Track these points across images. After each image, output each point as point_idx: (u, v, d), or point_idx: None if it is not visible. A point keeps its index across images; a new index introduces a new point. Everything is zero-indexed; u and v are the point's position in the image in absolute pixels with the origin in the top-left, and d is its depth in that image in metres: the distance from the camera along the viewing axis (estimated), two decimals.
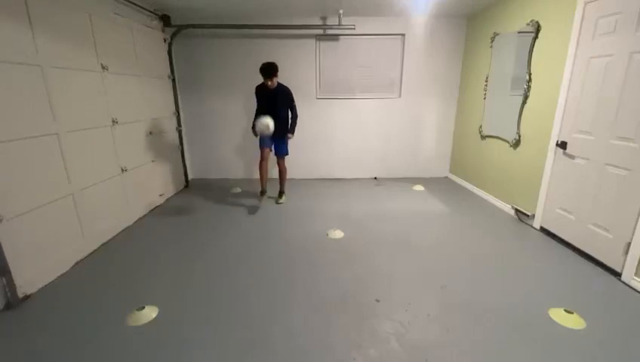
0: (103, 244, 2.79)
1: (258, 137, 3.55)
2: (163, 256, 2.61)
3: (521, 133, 3.23)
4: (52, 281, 2.25)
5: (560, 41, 2.69)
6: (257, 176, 4.86)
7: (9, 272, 1.94)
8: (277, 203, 3.82)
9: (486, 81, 3.83)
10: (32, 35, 2.15)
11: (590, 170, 2.44)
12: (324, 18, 4.26)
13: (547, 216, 2.90)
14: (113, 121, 2.96)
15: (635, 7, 2.08)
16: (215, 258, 2.57)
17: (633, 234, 2.11)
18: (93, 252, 2.67)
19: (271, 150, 3.65)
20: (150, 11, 3.67)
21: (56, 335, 1.75)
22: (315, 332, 1.76)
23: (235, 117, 4.68)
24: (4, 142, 1.95)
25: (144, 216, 3.45)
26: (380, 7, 3.86)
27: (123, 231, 3.07)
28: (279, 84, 3.51)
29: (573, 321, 1.80)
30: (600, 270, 2.34)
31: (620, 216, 2.20)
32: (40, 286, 2.17)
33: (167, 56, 4.13)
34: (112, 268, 2.45)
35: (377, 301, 2.01)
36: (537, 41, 2.97)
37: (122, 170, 3.08)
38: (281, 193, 3.94)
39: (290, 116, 3.63)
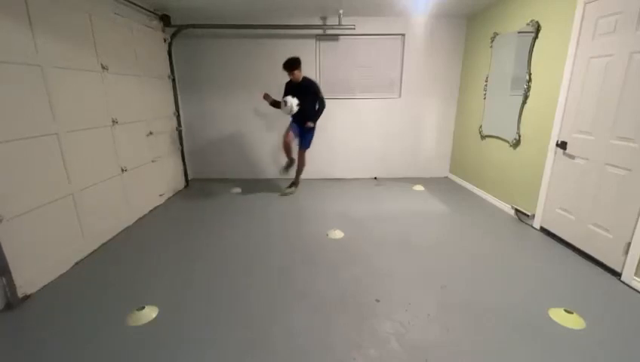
0: (102, 244, 2.79)
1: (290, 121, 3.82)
2: (163, 256, 2.61)
3: (521, 133, 3.23)
4: (52, 281, 2.25)
5: (560, 41, 2.69)
6: (258, 176, 4.93)
7: (9, 272, 1.94)
8: (283, 193, 3.92)
9: (486, 81, 3.83)
10: (32, 35, 2.15)
11: (590, 170, 2.44)
12: (324, 18, 4.26)
13: (547, 216, 2.90)
14: (113, 121, 2.96)
15: (635, 7, 2.08)
16: (215, 258, 2.57)
17: (633, 234, 2.11)
18: (93, 252, 2.67)
19: (296, 137, 3.84)
20: (150, 11, 3.67)
21: (57, 335, 1.75)
22: (315, 332, 1.76)
23: (235, 117, 4.68)
24: (4, 142, 1.95)
25: (144, 216, 3.45)
26: (380, 7, 3.86)
27: (123, 231, 3.07)
28: (304, 78, 3.68)
29: (573, 321, 1.80)
30: (600, 270, 2.34)
31: (620, 216, 2.20)
32: (40, 286, 2.17)
33: (167, 56, 4.13)
34: (112, 268, 2.45)
35: (377, 301, 2.01)
36: (537, 41, 2.97)
37: (122, 170, 3.08)
38: (292, 183, 4.06)
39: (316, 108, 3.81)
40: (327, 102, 4.60)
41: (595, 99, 2.39)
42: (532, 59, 3.04)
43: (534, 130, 3.05)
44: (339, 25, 4.12)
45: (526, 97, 3.12)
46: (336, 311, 1.92)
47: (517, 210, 3.26)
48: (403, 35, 4.39)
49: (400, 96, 4.61)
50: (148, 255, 2.64)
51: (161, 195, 3.85)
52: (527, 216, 3.09)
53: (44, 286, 2.20)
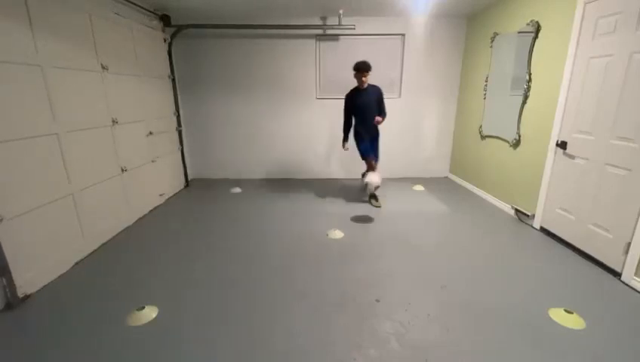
0: (102, 244, 2.79)
1: (356, 145, 3.66)
2: (163, 256, 2.61)
3: (521, 133, 3.23)
4: (52, 281, 2.25)
5: (560, 41, 2.69)
6: (258, 176, 4.93)
7: (9, 272, 1.94)
8: (376, 206, 3.68)
9: (486, 81, 3.83)
10: (32, 35, 2.15)
11: (590, 170, 2.44)
12: (324, 18, 4.26)
13: (547, 216, 2.90)
14: (113, 121, 2.96)
15: (635, 7, 2.08)
16: (215, 258, 2.57)
17: (633, 234, 2.11)
18: (93, 252, 2.67)
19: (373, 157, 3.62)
20: (150, 11, 3.67)
21: (57, 335, 1.75)
22: (315, 332, 1.76)
23: (235, 116, 4.68)
24: (4, 142, 1.95)
25: (144, 216, 3.45)
26: (380, 7, 3.86)
27: (123, 231, 3.07)
28: (369, 84, 3.48)
29: (573, 321, 1.80)
30: (600, 270, 2.34)
31: (620, 216, 2.20)
32: (40, 286, 2.17)
33: (167, 56, 4.13)
34: (112, 268, 2.45)
35: (377, 301, 2.01)
36: (537, 41, 2.97)
37: (122, 170, 3.08)
38: (375, 196, 3.81)
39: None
40: (327, 102, 4.64)
41: (595, 99, 2.39)
42: (532, 59, 3.04)
43: (534, 130, 3.05)
44: (339, 25, 4.12)
45: (526, 97, 3.12)
46: (336, 311, 1.92)
47: (517, 210, 3.26)
48: (403, 35, 4.39)
49: (400, 96, 4.61)
50: (148, 255, 2.64)
51: (161, 195, 3.85)
52: (527, 216, 3.09)
53: (44, 286, 2.20)
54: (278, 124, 4.73)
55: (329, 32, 4.33)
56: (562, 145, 2.67)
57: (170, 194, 4.12)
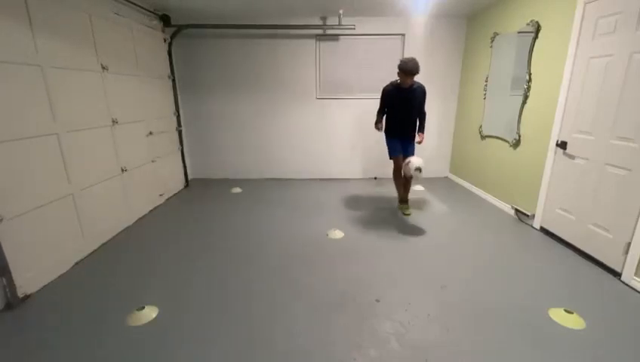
0: (102, 244, 2.79)
1: (385, 141, 3.39)
2: (163, 256, 2.61)
3: (521, 133, 3.23)
4: (52, 281, 2.25)
5: (560, 41, 2.69)
6: (259, 176, 4.93)
7: (9, 272, 1.94)
8: (405, 214, 3.40)
9: (486, 81, 3.84)
10: (32, 35, 2.15)
11: (590, 170, 2.44)
12: (324, 18, 4.26)
13: (547, 216, 2.90)
14: (113, 121, 2.96)
15: (635, 7, 2.08)
16: (215, 258, 2.57)
17: (633, 234, 2.11)
18: (93, 252, 2.67)
19: (402, 154, 3.30)
20: (150, 11, 3.67)
21: (57, 335, 1.75)
22: (315, 332, 1.76)
23: (235, 116, 4.68)
24: (4, 142, 1.95)
25: (144, 216, 3.45)
26: (380, 7, 3.86)
27: (123, 231, 3.07)
28: (416, 82, 3.16)
29: (573, 321, 1.80)
30: (600, 270, 2.34)
31: (620, 216, 2.20)
32: (40, 286, 2.17)
33: (167, 56, 4.13)
34: (112, 268, 2.45)
35: (377, 301, 2.01)
36: (537, 41, 2.97)
37: (122, 170, 3.08)
38: (406, 201, 3.49)
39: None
40: (327, 102, 4.65)
41: (595, 99, 2.39)
42: (532, 59, 3.04)
43: (534, 130, 3.05)
44: (339, 25, 4.12)
45: (526, 97, 3.12)
46: (336, 311, 1.92)
47: (517, 210, 3.26)
48: (403, 35, 4.39)
49: None
50: (148, 255, 2.64)
51: (161, 195, 3.85)
52: (527, 216, 3.09)
53: (44, 286, 2.20)
54: (279, 124, 4.73)
55: (329, 32, 4.33)
56: (562, 145, 2.67)
57: (170, 194, 4.12)
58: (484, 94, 3.88)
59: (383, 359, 1.58)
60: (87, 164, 2.63)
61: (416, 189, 4.31)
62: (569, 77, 2.61)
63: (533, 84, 3.04)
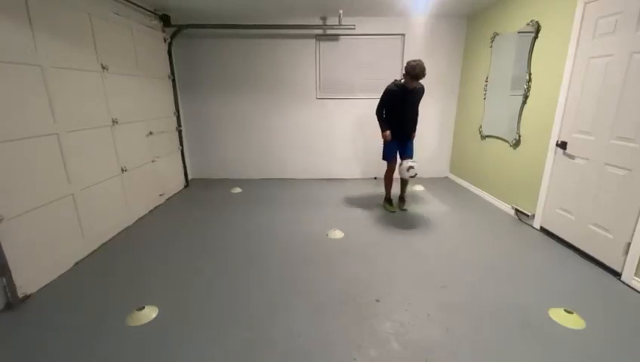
0: (102, 244, 2.79)
1: (384, 147, 3.50)
2: (163, 256, 2.61)
3: (521, 133, 3.23)
4: (52, 281, 2.25)
5: (560, 41, 2.69)
6: (259, 176, 4.93)
7: (9, 272, 1.94)
8: (402, 209, 3.57)
9: (486, 81, 3.84)
10: (32, 35, 2.15)
11: (590, 170, 2.44)
12: (324, 18, 4.26)
13: (547, 216, 2.90)
14: (113, 121, 2.96)
15: (635, 7, 2.08)
16: (215, 258, 2.57)
17: (633, 234, 2.11)
18: (93, 252, 2.67)
19: (396, 157, 3.48)
20: (150, 11, 3.67)
21: (57, 335, 1.75)
22: (315, 332, 1.76)
23: (235, 116, 4.68)
24: (4, 142, 1.95)
25: (144, 216, 3.45)
26: (380, 7, 3.86)
27: (123, 231, 3.07)
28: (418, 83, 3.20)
29: (573, 321, 1.80)
30: (600, 270, 2.34)
31: (620, 216, 2.20)
32: (40, 286, 2.17)
33: (167, 56, 4.13)
34: (112, 268, 2.45)
35: (377, 301, 2.01)
36: (537, 41, 2.97)
37: (122, 170, 3.08)
38: (404, 199, 3.66)
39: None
40: (327, 102, 4.65)
41: (595, 99, 2.39)
42: (532, 59, 3.04)
43: (534, 130, 3.05)
44: (339, 25, 4.12)
45: (526, 97, 3.12)
46: (337, 311, 1.92)
47: (517, 210, 3.26)
48: (403, 35, 4.39)
49: None
50: (148, 255, 2.64)
51: (161, 195, 3.85)
52: (527, 216, 3.09)
53: (44, 286, 2.20)
54: (279, 124, 4.73)
55: (329, 32, 4.33)
56: (562, 145, 2.67)
57: (170, 194, 4.12)
58: (484, 94, 3.88)
59: (383, 359, 1.58)
60: (87, 164, 2.63)
61: (417, 189, 4.31)
62: (569, 77, 2.61)
63: (533, 84, 3.04)
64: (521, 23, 3.17)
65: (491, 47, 3.71)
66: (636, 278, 2.10)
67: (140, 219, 3.37)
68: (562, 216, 2.72)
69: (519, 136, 3.25)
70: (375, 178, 4.91)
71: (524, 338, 1.70)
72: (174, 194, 4.20)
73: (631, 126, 2.12)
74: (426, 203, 3.81)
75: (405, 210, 3.57)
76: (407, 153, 3.45)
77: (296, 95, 4.61)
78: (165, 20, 3.98)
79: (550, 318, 1.84)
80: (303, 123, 4.72)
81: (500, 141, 3.59)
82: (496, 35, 3.61)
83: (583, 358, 1.57)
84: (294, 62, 4.47)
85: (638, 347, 1.64)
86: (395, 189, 3.70)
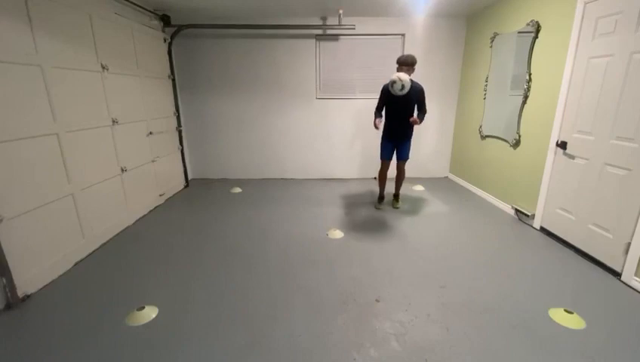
0: (102, 244, 2.79)
1: (380, 143, 3.47)
2: (163, 256, 2.61)
3: (521, 133, 3.23)
4: (52, 281, 2.25)
5: (560, 41, 2.69)
6: (259, 176, 4.93)
7: (9, 272, 1.94)
8: (395, 207, 3.61)
9: (486, 81, 3.83)
10: (32, 35, 2.15)
11: (590, 170, 2.44)
12: (324, 18, 4.26)
13: (547, 216, 2.90)
14: (113, 121, 2.96)
15: (635, 7, 2.08)
16: (215, 258, 2.57)
17: (633, 234, 2.11)
18: (93, 252, 2.67)
19: (390, 159, 3.48)
20: (150, 11, 3.67)
21: (57, 335, 1.75)
22: (315, 332, 1.76)
23: (235, 116, 4.68)
24: (4, 142, 1.95)
25: (144, 216, 3.45)
26: (380, 8, 3.86)
27: (123, 231, 3.07)
28: (412, 81, 3.11)
29: (573, 321, 1.80)
30: (600, 270, 2.34)
31: (620, 216, 2.20)
32: (40, 286, 2.17)
33: (167, 56, 4.13)
34: (112, 268, 2.45)
35: (377, 301, 2.01)
36: (537, 41, 2.97)
37: (122, 170, 3.08)
38: (397, 197, 3.69)
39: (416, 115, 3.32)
40: (327, 102, 4.64)
41: (595, 99, 2.39)
42: (532, 59, 3.04)
43: (534, 130, 3.05)
44: (339, 25, 4.12)
45: (526, 97, 3.12)
46: (337, 311, 1.92)
47: (517, 210, 3.26)
48: (403, 35, 4.39)
49: None
50: (148, 255, 2.64)
51: (161, 195, 3.85)
52: (527, 216, 3.09)
53: (44, 286, 2.20)
54: (279, 124, 4.73)
55: (329, 32, 4.33)
56: (562, 145, 2.67)
57: (170, 194, 4.12)
58: (484, 94, 3.88)
59: (382, 359, 1.58)
60: (87, 163, 2.63)
61: (417, 189, 4.31)
62: (569, 77, 2.61)
63: (533, 84, 3.04)
64: (521, 23, 3.17)
65: (491, 47, 3.71)
66: (636, 278, 2.10)
67: (140, 219, 3.36)
68: (562, 216, 2.72)
69: (519, 136, 3.25)
70: (375, 178, 4.90)
71: (524, 339, 1.70)
72: (174, 194, 4.20)
73: (631, 126, 2.12)
74: (425, 203, 3.81)
75: (397, 208, 3.61)
76: (402, 154, 3.44)
77: (296, 95, 4.61)
78: (165, 20, 3.98)
79: (550, 318, 1.84)
80: (303, 123, 4.72)
81: (500, 141, 3.59)
82: (496, 35, 3.61)
83: (583, 358, 1.57)
84: (294, 63, 4.47)
85: (638, 347, 1.64)
86: (390, 188, 3.72)
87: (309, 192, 4.26)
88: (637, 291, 2.08)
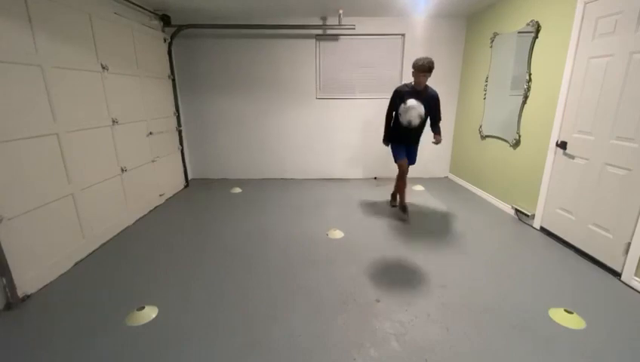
0: (102, 244, 2.79)
1: (390, 147, 3.31)
2: (163, 256, 2.61)
3: (521, 133, 3.23)
4: (52, 281, 2.25)
5: (560, 41, 2.69)
6: (259, 176, 4.93)
7: (9, 272, 1.94)
8: (402, 219, 3.28)
9: (486, 81, 3.83)
10: (32, 35, 2.15)
11: (590, 170, 2.44)
12: (324, 18, 4.26)
13: (547, 216, 2.90)
14: (113, 121, 2.96)
15: (635, 7, 2.08)
16: (215, 258, 2.57)
17: (633, 234, 2.11)
18: (93, 252, 2.67)
19: (406, 159, 3.27)
20: (150, 11, 3.67)
21: (57, 336, 1.75)
22: (315, 332, 1.76)
23: (235, 116, 4.68)
24: (4, 142, 1.95)
25: (144, 216, 3.45)
26: (380, 7, 3.86)
27: (123, 231, 3.07)
28: (427, 87, 3.07)
29: (573, 321, 1.80)
30: (600, 270, 2.34)
31: (620, 216, 2.20)
32: (40, 286, 2.17)
33: (167, 56, 4.13)
34: (112, 268, 2.45)
35: (377, 301, 2.01)
36: (537, 41, 2.97)
37: (122, 170, 3.08)
38: (403, 207, 3.36)
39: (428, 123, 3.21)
40: (327, 102, 4.64)
41: (595, 99, 2.39)
42: (532, 59, 3.04)
43: (534, 130, 3.05)
44: (339, 25, 4.12)
45: (526, 97, 3.12)
46: (337, 311, 1.92)
47: (517, 210, 3.26)
48: (403, 35, 4.39)
49: None
50: (148, 255, 2.64)
51: (161, 195, 3.85)
52: (527, 216, 3.09)
53: (44, 286, 2.20)
54: (278, 124, 4.73)
55: (329, 32, 4.33)
56: (562, 145, 2.67)
57: (170, 194, 4.12)
58: (484, 94, 3.88)
59: (382, 359, 1.58)
60: (87, 164, 2.63)
61: (417, 189, 4.31)
62: (569, 77, 2.61)
63: (533, 84, 3.04)
64: (521, 23, 3.17)
65: (491, 47, 3.71)
66: (636, 278, 2.10)
67: (140, 219, 3.36)
68: (562, 216, 2.72)
69: (519, 136, 3.25)
70: (375, 178, 4.91)
71: (524, 339, 1.70)
72: (174, 195, 4.20)
73: (631, 126, 2.12)
74: (426, 203, 3.81)
75: (405, 220, 3.25)
76: (411, 160, 3.36)
77: (296, 95, 4.61)
78: (165, 20, 3.98)
79: (550, 318, 1.84)
80: (303, 123, 4.72)
81: (500, 141, 3.59)
82: (496, 35, 3.61)
83: (583, 358, 1.57)
84: (294, 62, 4.47)
85: (638, 347, 1.64)
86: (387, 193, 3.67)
87: (309, 192, 4.26)
88: (637, 291, 2.08)
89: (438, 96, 3.12)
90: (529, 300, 2.00)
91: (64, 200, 2.40)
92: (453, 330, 1.76)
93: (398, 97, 3.08)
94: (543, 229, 2.96)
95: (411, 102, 2.88)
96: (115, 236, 2.96)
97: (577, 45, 2.53)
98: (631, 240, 2.13)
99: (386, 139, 3.33)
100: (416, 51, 4.41)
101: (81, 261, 2.53)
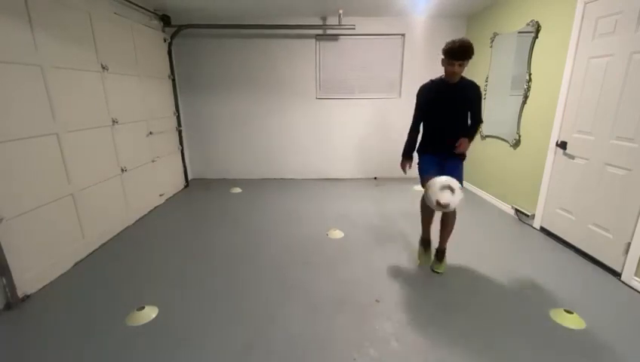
0: (102, 244, 2.79)
1: (419, 164, 2.51)
2: (163, 256, 2.61)
3: (521, 133, 3.22)
4: (52, 281, 2.25)
5: (560, 41, 2.69)
6: (259, 176, 4.93)
7: (9, 272, 1.94)
8: (436, 270, 2.30)
9: (486, 81, 3.83)
10: (32, 35, 2.15)
11: (590, 170, 2.44)
12: (324, 18, 4.26)
13: (547, 216, 2.90)
14: (113, 121, 2.96)
15: (635, 7, 2.08)
16: (215, 258, 2.57)
17: (633, 234, 2.11)
18: (93, 252, 2.67)
19: (438, 174, 2.20)
20: (150, 11, 3.67)
21: (56, 336, 1.75)
22: (315, 332, 1.76)
23: (235, 116, 4.68)
24: (4, 142, 1.95)
25: (144, 216, 3.45)
26: (379, 7, 3.86)
27: (123, 231, 3.07)
28: (463, 78, 2.26)
29: (573, 321, 1.80)
30: (600, 270, 2.34)
31: (620, 216, 2.20)
32: (40, 286, 2.17)
33: (167, 56, 4.13)
34: (112, 268, 2.45)
35: (377, 301, 2.01)
36: (537, 41, 2.97)
37: (122, 170, 3.08)
38: (441, 253, 2.33)
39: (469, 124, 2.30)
40: (327, 102, 4.64)
41: (595, 99, 2.39)
42: (532, 59, 3.04)
43: (534, 130, 3.05)
44: (339, 25, 4.12)
45: (526, 97, 3.12)
46: (336, 311, 1.92)
47: (517, 210, 3.26)
48: (403, 35, 4.39)
49: (400, 96, 4.61)
50: (148, 255, 2.64)
51: (161, 195, 3.85)
52: (527, 216, 3.09)
53: (44, 286, 2.20)
54: (279, 124, 4.73)
55: (329, 32, 4.33)
56: (562, 145, 2.67)
57: (170, 195, 4.12)
58: (484, 94, 3.88)
59: (382, 359, 1.58)
60: (87, 164, 2.63)
61: (417, 189, 4.31)
62: (569, 77, 2.61)
63: (533, 84, 3.04)
64: (521, 23, 3.17)
65: (491, 47, 3.71)
66: (636, 278, 2.10)
67: (140, 219, 3.36)
68: (562, 216, 2.72)
69: (519, 136, 3.25)
70: (375, 178, 4.91)
71: (525, 338, 1.70)
72: (174, 195, 4.20)
73: (631, 126, 2.12)
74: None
75: (438, 272, 2.29)
76: (436, 174, 2.20)
77: (296, 95, 4.61)
78: (165, 20, 3.98)
79: (550, 318, 1.84)
80: (303, 123, 4.72)
81: (500, 141, 3.59)
82: (496, 35, 3.61)
83: (583, 358, 1.57)
84: (294, 62, 4.47)
85: (638, 347, 1.64)
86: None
87: (309, 192, 4.26)
88: (637, 291, 2.08)
89: (477, 87, 2.25)
90: (529, 300, 2.00)
91: (64, 201, 2.40)
92: (453, 330, 1.76)
93: (423, 96, 2.35)
94: (542, 229, 2.96)
95: (435, 180, 2.04)
96: (115, 236, 2.95)
97: (577, 45, 2.53)
98: (631, 240, 2.13)
99: (406, 154, 2.54)
100: (416, 51, 4.42)
101: (81, 261, 2.52)
